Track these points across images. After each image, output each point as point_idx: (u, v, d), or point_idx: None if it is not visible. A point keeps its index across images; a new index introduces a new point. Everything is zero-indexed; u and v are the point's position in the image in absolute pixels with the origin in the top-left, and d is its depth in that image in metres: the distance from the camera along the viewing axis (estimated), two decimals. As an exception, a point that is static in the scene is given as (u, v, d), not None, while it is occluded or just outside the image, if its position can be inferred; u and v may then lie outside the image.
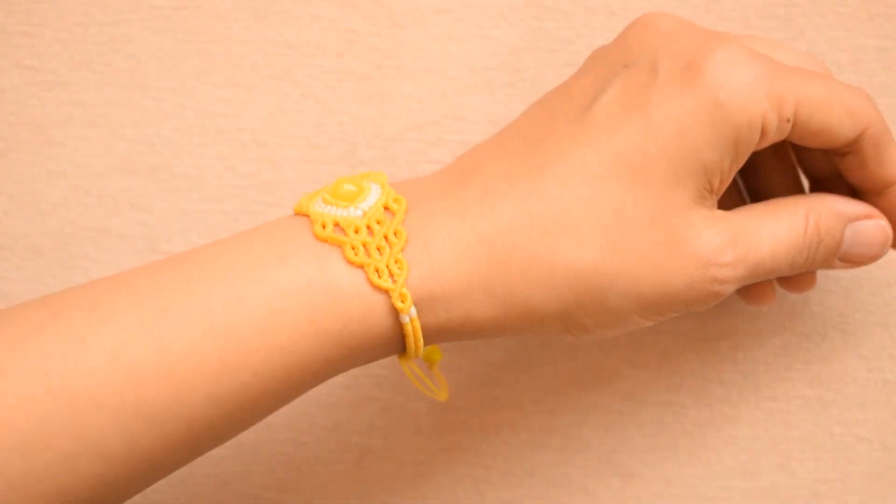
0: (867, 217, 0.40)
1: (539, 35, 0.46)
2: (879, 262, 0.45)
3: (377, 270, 0.36)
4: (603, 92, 0.37)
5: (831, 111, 0.37)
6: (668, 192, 0.37)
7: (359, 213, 0.37)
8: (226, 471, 0.48)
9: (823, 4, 0.45)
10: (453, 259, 0.37)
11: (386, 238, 0.36)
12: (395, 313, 0.36)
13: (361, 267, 0.36)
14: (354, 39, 0.46)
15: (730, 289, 0.37)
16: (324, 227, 0.36)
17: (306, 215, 0.37)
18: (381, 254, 0.36)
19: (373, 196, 0.37)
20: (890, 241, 0.41)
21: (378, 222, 0.37)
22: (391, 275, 0.36)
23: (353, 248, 0.36)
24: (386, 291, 0.36)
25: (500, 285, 0.37)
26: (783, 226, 0.38)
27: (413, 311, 0.36)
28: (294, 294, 0.36)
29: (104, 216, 0.47)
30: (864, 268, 0.45)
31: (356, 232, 0.36)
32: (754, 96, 0.36)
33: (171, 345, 0.35)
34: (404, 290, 0.36)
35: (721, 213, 0.38)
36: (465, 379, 0.47)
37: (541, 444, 0.47)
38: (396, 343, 0.37)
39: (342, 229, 0.37)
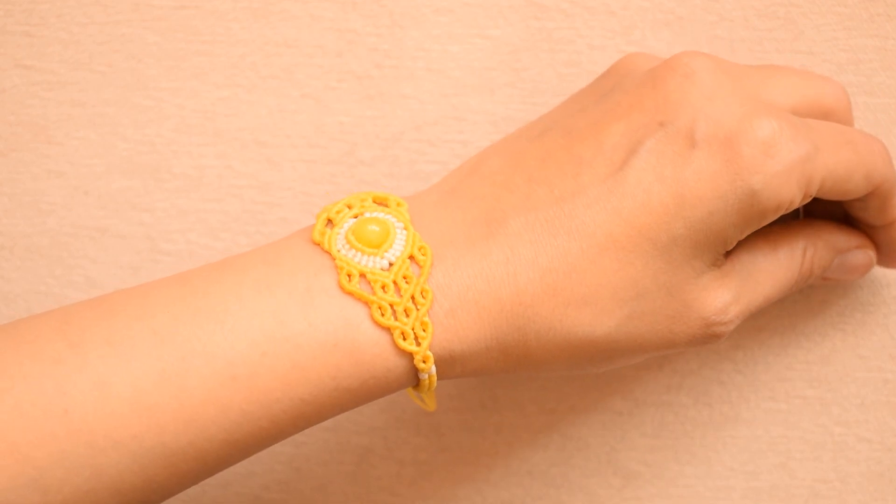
0: (858, 248, 0.42)
1: (539, 35, 0.46)
2: (879, 262, 0.45)
3: (403, 334, 0.36)
4: (635, 153, 0.37)
5: (851, 179, 0.38)
6: (687, 264, 0.37)
7: (385, 263, 0.37)
8: (226, 471, 0.48)
9: (823, 4, 0.45)
10: (475, 323, 0.37)
11: (413, 299, 0.36)
12: (415, 370, 0.37)
13: (388, 329, 0.36)
14: (354, 39, 0.46)
15: (724, 338, 0.39)
16: (349, 277, 0.36)
17: (328, 253, 0.37)
18: (407, 316, 0.36)
19: (398, 243, 0.37)
20: (872, 267, 0.43)
21: (405, 278, 0.37)
22: (416, 338, 0.36)
23: (380, 309, 0.36)
24: (410, 353, 0.36)
25: (517, 346, 0.37)
26: (782, 265, 0.40)
27: (433, 369, 0.37)
28: (319, 353, 0.36)
29: (104, 216, 0.47)
30: (864, 268, 0.45)
31: (384, 289, 0.36)
32: (787, 184, 0.37)
33: (193, 393, 0.35)
34: (428, 353, 0.36)
35: (727, 266, 0.38)
36: (465, 379, 0.47)
37: (541, 444, 0.47)
38: (409, 385, 0.38)
39: (369, 283, 0.36)
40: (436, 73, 0.46)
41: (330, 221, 0.38)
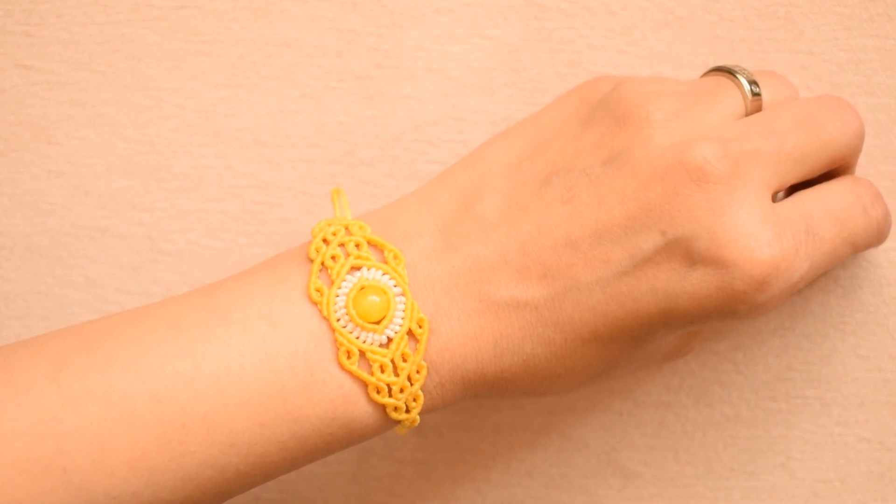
0: None
1: (539, 35, 0.46)
2: (879, 261, 0.45)
3: (396, 408, 0.38)
4: (632, 258, 0.37)
5: (836, 264, 0.40)
6: (660, 341, 0.39)
7: (384, 338, 0.37)
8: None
9: (823, 4, 0.45)
10: (460, 392, 0.39)
11: (409, 377, 0.37)
12: (399, 424, 0.39)
13: (383, 405, 0.37)
14: (354, 39, 0.46)
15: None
16: (349, 355, 0.37)
17: (327, 320, 0.37)
18: (402, 392, 0.37)
19: (398, 316, 0.37)
20: None
21: (403, 357, 0.37)
22: (408, 408, 0.38)
23: (377, 389, 0.37)
24: (400, 420, 0.38)
25: (490, 398, 0.40)
26: None
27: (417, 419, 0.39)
28: (317, 426, 0.37)
29: (104, 216, 0.47)
30: (863, 268, 0.45)
31: (382, 370, 0.37)
32: (771, 307, 0.37)
33: (192, 457, 0.36)
34: (416, 417, 0.38)
35: None
36: (465, 379, 0.47)
37: (541, 444, 0.47)
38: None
39: (367, 361, 0.37)
40: (436, 73, 0.46)
41: (325, 267, 0.38)
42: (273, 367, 0.37)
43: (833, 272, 0.45)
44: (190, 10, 0.46)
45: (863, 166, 0.44)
